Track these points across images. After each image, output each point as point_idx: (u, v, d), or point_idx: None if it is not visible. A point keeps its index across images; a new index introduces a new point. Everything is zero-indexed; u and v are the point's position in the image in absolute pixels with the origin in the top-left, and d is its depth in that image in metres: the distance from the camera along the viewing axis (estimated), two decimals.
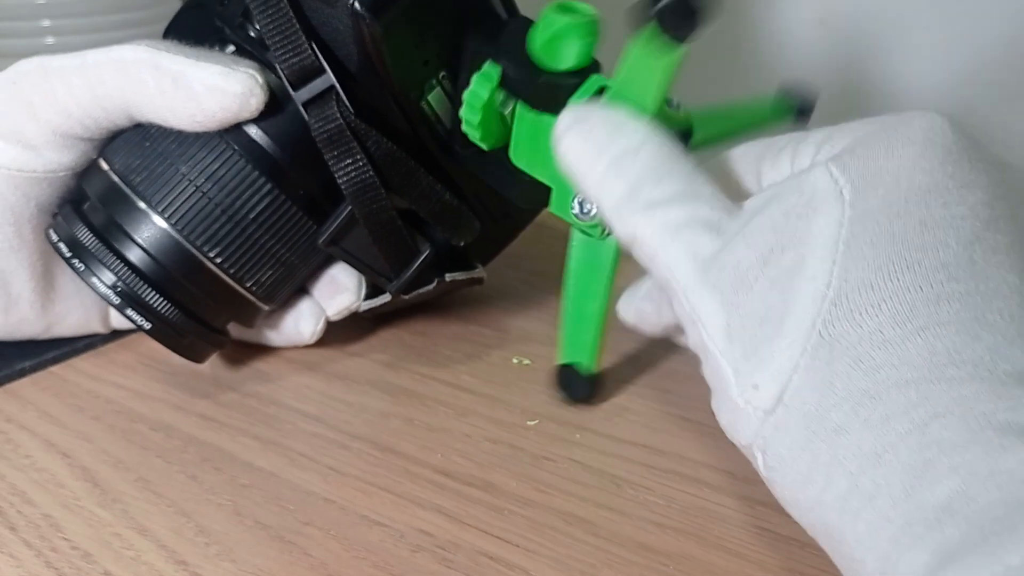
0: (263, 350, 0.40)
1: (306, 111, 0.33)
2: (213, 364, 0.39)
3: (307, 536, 0.28)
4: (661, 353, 0.39)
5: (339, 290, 0.38)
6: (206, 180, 0.33)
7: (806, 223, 0.24)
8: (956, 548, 0.18)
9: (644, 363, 0.38)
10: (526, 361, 0.39)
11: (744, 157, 0.30)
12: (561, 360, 0.35)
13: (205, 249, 0.33)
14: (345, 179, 0.33)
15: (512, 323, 0.42)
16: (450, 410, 0.35)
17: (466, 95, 0.33)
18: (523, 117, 0.33)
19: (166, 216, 0.33)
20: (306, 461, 0.32)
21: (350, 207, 0.34)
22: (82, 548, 0.28)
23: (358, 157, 0.32)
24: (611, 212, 0.28)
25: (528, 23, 0.33)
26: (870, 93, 0.58)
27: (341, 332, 0.41)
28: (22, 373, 0.38)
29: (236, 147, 0.33)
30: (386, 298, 0.38)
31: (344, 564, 0.27)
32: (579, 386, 0.34)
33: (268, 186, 0.33)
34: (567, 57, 0.31)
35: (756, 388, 0.23)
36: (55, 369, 0.38)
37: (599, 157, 0.28)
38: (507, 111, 0.33)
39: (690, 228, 0.26)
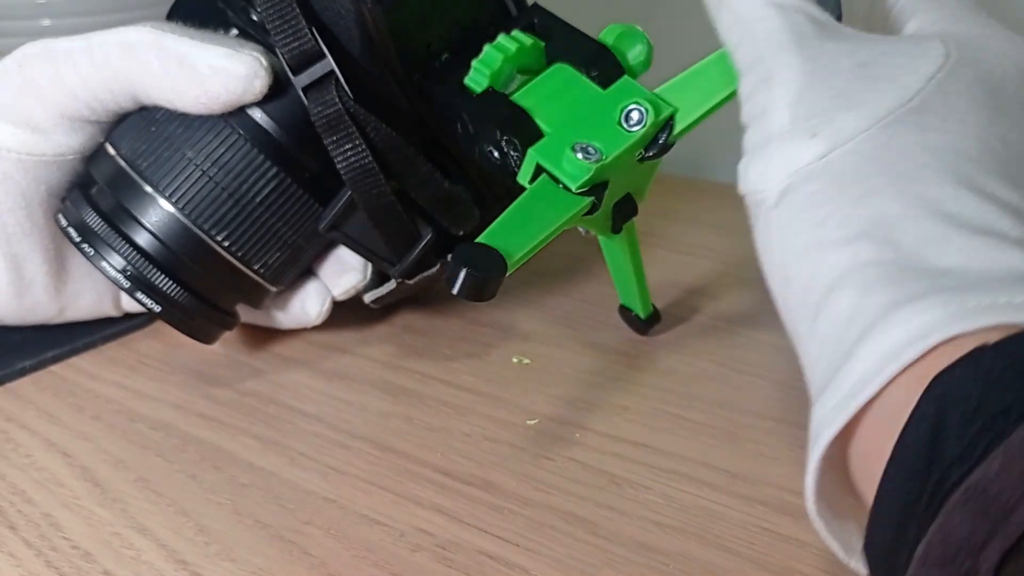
0: (263, 349, 0.40)
1: (305, 96, 0.33)
2: (213, 363, 0.39)
3: (307, 535, 0.28)
4: (661, 353, 0.39)
5: (345, 270, 0.38)
6: (212, 165, 0.33)
7: (912, 58, 0.26)
8: (942, 288, 0.21)
9: (644, 363, 0.38)
10: (526, 360, 0.39)
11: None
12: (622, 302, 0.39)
13: (212, 233, 0.33)
14: (344, 164, 0.33)
15: (512, 323, 0.42)
16: (450, 409, 0.35)
17: (476, 62, 0.33)
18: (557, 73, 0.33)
19: (173, 200, 0.33)
20: (306, 460, 0.32)
21: (349, 192, 0.34)
22: (82, 547, 0.28)
23: (357, 143, 0.33)
24: None
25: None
26: None
27: (342, 331, 0.41)
28: (22, 372, 0.38)
29: (241, 131, 0.33)
30: (391, 285, 0.38)
31: (344, 563, 0.27)
32: (634, 323, 0.39)
33: (274, 170, 0.34)
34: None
35: (813, 136, 0.25)
36: (55, 368, 0.38)
37: None
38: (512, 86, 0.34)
39: (801, 12, 0.28)
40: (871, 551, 0.21)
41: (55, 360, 0.39)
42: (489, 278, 0.28)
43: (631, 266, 0.37)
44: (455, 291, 0.27)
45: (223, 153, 0.33)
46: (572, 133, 0.31)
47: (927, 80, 0.26)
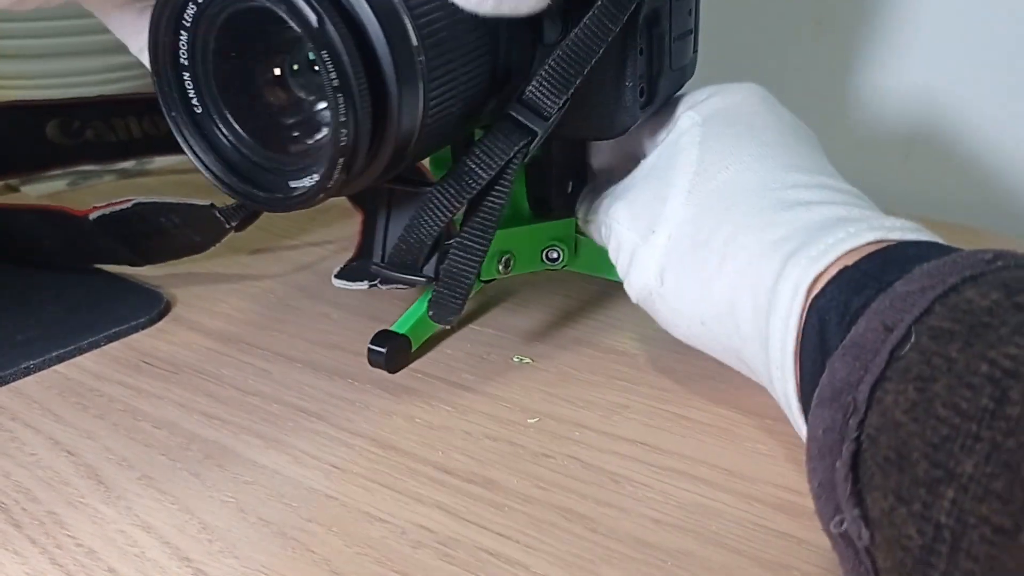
0: (265, 348, 0.40)
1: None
2: (216, 362, 0.39)
3: (309, 532, 0.29)
4: (660, 352, 0.39)
5: None
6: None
7: (674, 145, 0.35)
8: (791, 251, 0.29)
9: (643, 362, 0.38)
10: (526, 360, 0.39)
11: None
12: None
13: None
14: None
15: (512, 322, 0.42)
16: (451, 408, 0.35)
17: None
18: None
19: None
20: (308, 458, 0.32)
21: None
22: (86, 545, 0.28)
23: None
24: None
25: None
26: (867, 94, 0.58)
27: (343, 331, 0.41)
28: (27, 372, 0.38)
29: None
30: (362, 286, 0.39)
31: (346, 560, 0.27)
32: None
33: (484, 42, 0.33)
34: None
35: (654, 232, 0.34)
36: (59, 368, 0.39)
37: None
38: None
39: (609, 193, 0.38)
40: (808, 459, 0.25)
41: (59, 359, 0.39)
42: (398, 355, 0.38)
43: None
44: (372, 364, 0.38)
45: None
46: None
47: (692, 146, 0.34)
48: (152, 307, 0.43)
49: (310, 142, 0.31)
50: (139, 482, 0.31)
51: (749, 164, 0.33)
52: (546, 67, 0.33)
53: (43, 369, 0.38)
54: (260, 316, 0.43)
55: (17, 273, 0.47)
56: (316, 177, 0.30)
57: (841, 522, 0.22)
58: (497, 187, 0.34)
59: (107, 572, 0.27)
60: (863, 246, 0.27)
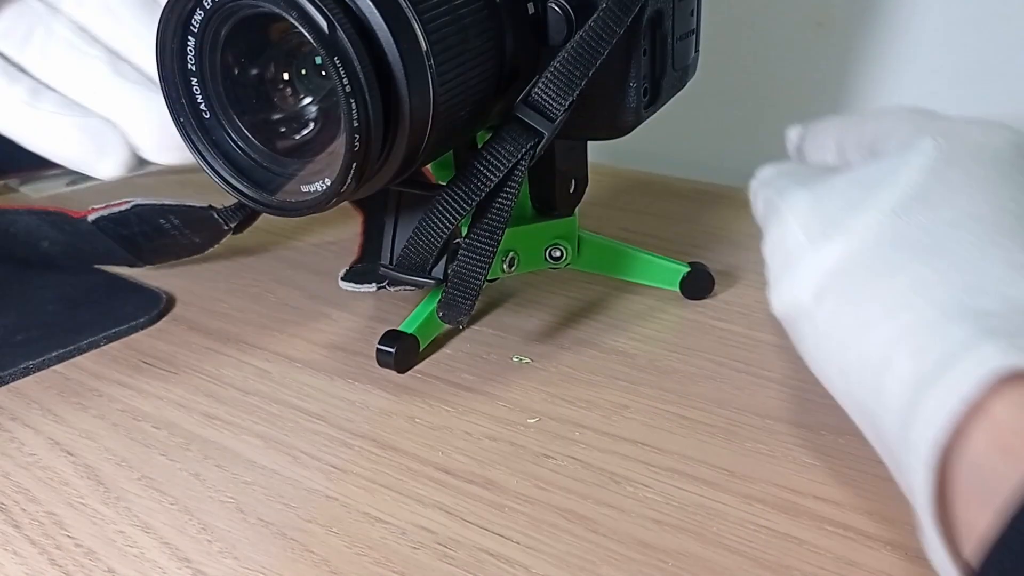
0: (265, 348, 0.40)
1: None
2: (216, 363, 0.39)
3: (309, 533, 0.29)
4: (660, 352, 0.39)
5: None
6: None
7: (897, 161, 0.28)
8: (993, 330, 0.22)
9: (643, 362, 0.38)
10: (526, 360, 0.39)
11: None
12: None
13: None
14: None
15: (512, 322, 0.42)
16: (451, 408, 0.35)
17: None
18: None
19: None
20: (308, 459, 0.32)
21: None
22: (86, 545, 0.28)
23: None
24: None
25: None
26: (868, 96, 0.58)
27: (344, 331, 0.41)
28: (26, 372, 0.38)
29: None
30: (370, 288, 0.39)
31: (346, 561, 0.27)
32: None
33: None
34: None
35: (829, 240, 0.27)
36: (59, 368, 0.38)
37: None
38: None
39: (795, 166, 0.32)
40: None
41: (59, 360, 0.39)
42: (407, 355, 0.38)
43: None
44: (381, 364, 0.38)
45: None
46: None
47: (922, 170, 0.27)
48: (152, 307, 0.43)
49: (320, 146, 0.31)
50: (139, 482, 0.31)
51: (983, 207, 0.26)
52: (552, 69, 0.33)
53: (43, 369, 0.38)
54: (260, 316, 0.43)
55: (17, 273, 0.47)
56: (328, 182, 0.30)
57: None
58: (505, 189, 0.34)
59: (106, 572, 0.27)
60: None
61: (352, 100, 0.28)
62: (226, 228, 0.43)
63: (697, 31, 0.40)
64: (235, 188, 0.32)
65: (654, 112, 0.38)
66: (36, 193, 0.58)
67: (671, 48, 0.38)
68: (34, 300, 0.44)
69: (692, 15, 0.39)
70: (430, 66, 0.30)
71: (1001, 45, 0.54)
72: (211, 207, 0.42)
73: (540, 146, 0.34)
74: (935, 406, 0.21)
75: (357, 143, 0.28)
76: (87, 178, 0.61)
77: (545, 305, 0.44)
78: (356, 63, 0.28)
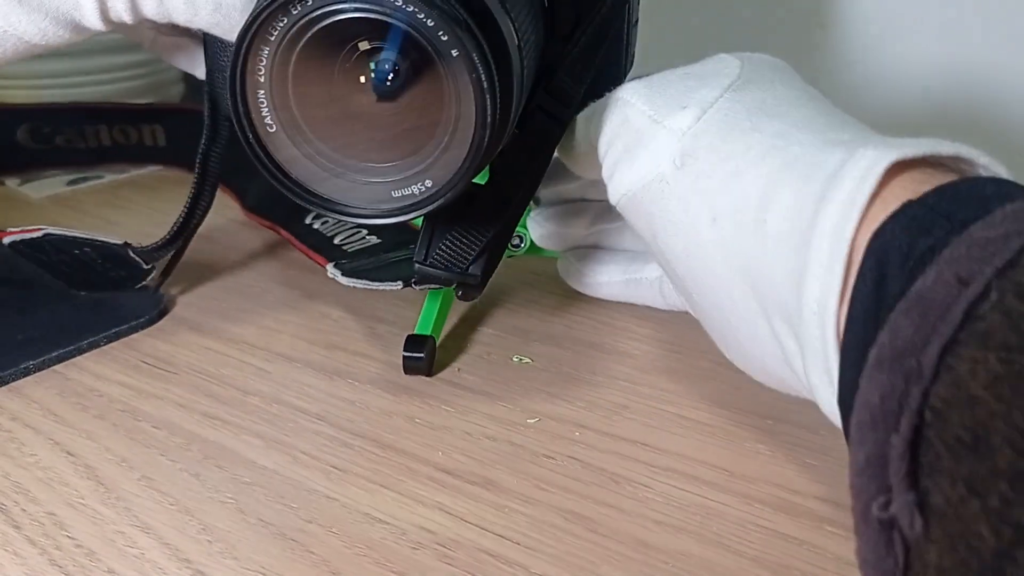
0: (265, 348, 0.40)
1: None
2: (217, 363, 0.39)
3: (309, 534, 0.29)
4: (660, 352, 0.39)
5: None
6: None
7: (712, 60, 0.32)
8: (863, 143, 0.24)
9: (643, 362, 0.38)
10: (526, 360, 0.39)
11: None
12: None
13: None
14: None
15: (512, 322, 0.42)
16: (451, 408, 0.35)
17: None
18: None
19: None
20: (308, 459, 0.32)
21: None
22: (86, 546, 0.28)
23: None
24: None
25: None
26: (869, 97, 0.58)
27: (344, 331, 0.41)
28: (26, 372, 0.38)
29: None
30: (395, 285, 0.39)
31: (346, 561, 0.27)
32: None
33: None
34: None
35: (684, 109, 0.29)
36: (59, 368, 0.38)
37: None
38: None
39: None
40: (841, 403, 0.22)
41: (59, 360, 0.39)
42: (432, 357, 0.38)
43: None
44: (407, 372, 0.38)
45: None
46: None
47: (740, 67, 0.31)
48: (152, 307, 0.43)
49: (405, 151, 0.31)
50: (139, 483, 0.31)
51: (797, 92, 0.30)
52: (572, 57, 0.35)
53: (43, 369, 0.38)
54: (260, 316, 0.43)
55: (17, 273, 0.47)
56: (430, 183, 0.30)
57: (886, 504, 0.19)
58: (535, 179, 0.36)
59: (106, 573, 0.27)
60: (931, 164, 0.23)
61: (487, 96, 0.28)
62: (146, 267, 0.43)
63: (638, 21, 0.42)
64: (312, 202, 0.31)
65: None
66: (36, 192, 0.58)
67: (631, 34, 0.39)
68: (34, 300, 0.44)
69: (638, 3, 0.41)
70: (521, 59, 0.31)
71: (1001, 44, 0.53)
72: (127, 244, 0.42)
73: (563, 131, 0.36)
74: (836, 212, 0.23)
75: (486, 139, 0.29)
76: (87, 178, 0.61)
77: (545, 305, 0.44)
78: (489, 58, 0.28)
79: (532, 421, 0.34)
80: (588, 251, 0.43)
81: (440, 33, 0.28)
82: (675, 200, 0.28)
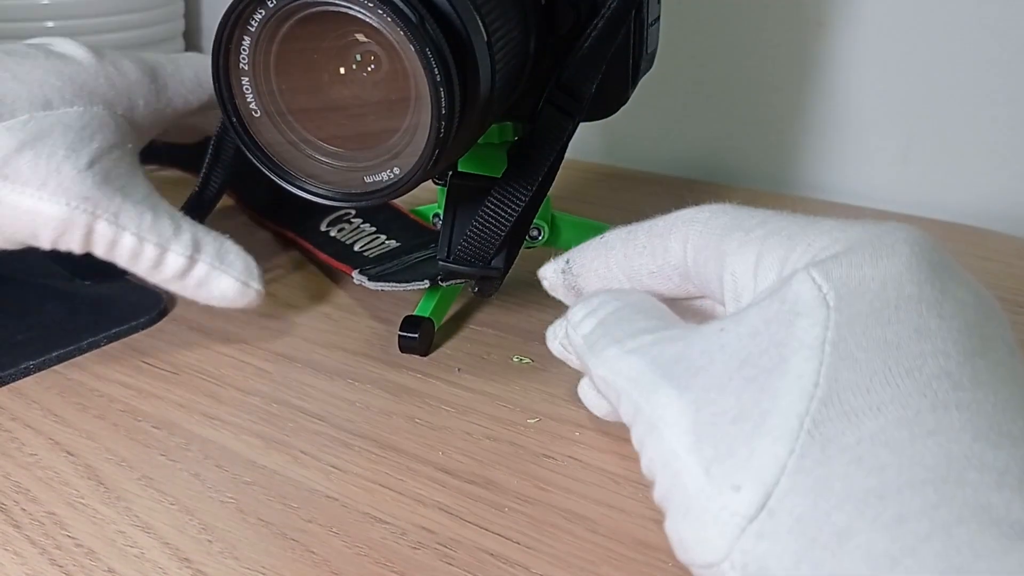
0: (265, 348, 0.40)
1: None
2: (216, 363, 0.39)
3: (310, 533, 0.29)
4: None
5: None
6: None
7: (787, 327, 0.22)
8: None
9: None
10: (526, 360, 0.39)
11: (703, 250, 0.28)
12: None
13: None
14: None
15: (512, 322, 0.42)
16: (451, 408, 0.35)
17: None
18: None
19: None
20: (308, 459, 0.32)
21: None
22: (86, 545, 0.28)
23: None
24: (582, 350, 0.28)
25: None
26: (870, 97, 0.58)
27: (344, 331, 0.41)
28: (27, 372, 0.38)
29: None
30: (422, 284, 0.39)
31: (346, 561, 0.27)
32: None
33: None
34: None
35: (737, 489, 0.20)
36: (59, 368, 0.38)
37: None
38: None
39: (652, 342, 0.25)
40: None
41: (59, 360, 0.39)
42: (429, 338, 0.39)
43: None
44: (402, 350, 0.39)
45: None
46: None
47: (817, 345, 0.21)
48: (152, 307, 0.43)
49: (378, 139, 0.32)
50: (139, 482, 0.31)
51: (916, 411, 0.20)
52: (581, 53, 0.36)
53: (43, 369, 0.38)
54: (260, 316, 0.43)
55: (17, 273, 0.47)
56: (398, 171, 0.31)
57: None
58: (551, 173, 0.37)
59: (107, 573, 0.27)
60: None
61: (441, 89, 0.29)
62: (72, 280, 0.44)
63: (659, 18, 0.42)
64: (293, 184, 0.33)
65: (631, 94, 0.40)
66: None
67: (646, 33, 0.39)
68: (34, 300, 0.44)
69: (658, 2, 0.41)
70: (491, 56, 0.31)
71: (1001, 44, 0.53)
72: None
73: (575, 126, 0.37)
74: None
75: (442, 130, 0.30)
76: None
77: (545, 305, 0.44)
78: (447, 53, 0.29)
79: (532, 421, 0.34)
80: None
81: (397, 28, 0.29)
82: None
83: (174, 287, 0.39)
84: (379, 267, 0.43)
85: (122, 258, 0.38)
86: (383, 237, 0.46)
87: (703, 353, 0.23)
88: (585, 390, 0.34)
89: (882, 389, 0.20)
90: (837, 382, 0.21)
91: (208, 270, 0.39)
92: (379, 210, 0.48)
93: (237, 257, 0.40)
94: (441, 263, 0.38)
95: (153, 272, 0.39)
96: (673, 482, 0.22)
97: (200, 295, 0.39)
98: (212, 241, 0.39)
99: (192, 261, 0.38)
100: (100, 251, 0.38)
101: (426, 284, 0.40)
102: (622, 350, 0.25)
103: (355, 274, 0.42)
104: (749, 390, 0.21)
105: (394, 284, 0.41)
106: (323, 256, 0.46)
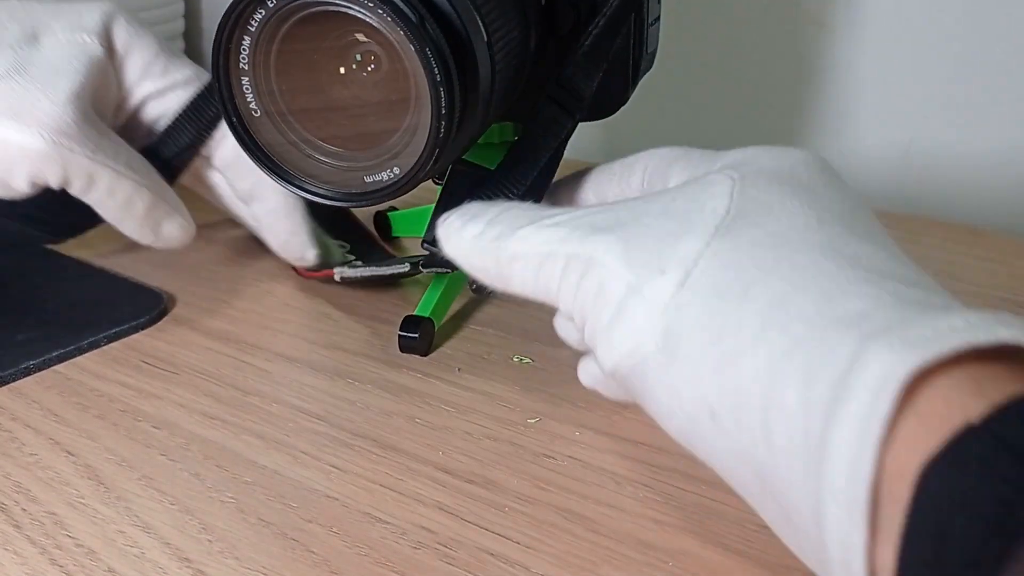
0: (265, 348, 0.40)
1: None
2: (217, 363, 0.39)
3: (310, 533, 0.29)
4: None
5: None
6: None
7: (702, 189, 0.26)
8: (875, 331, 0.20)
9: None
10: (527, 360, 0.39)
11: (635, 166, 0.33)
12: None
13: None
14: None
15: (512, 322, 0.42)
16: (451, 408, 0.35)
17: None
18: None
19: None
20: (308, 459, 0.32)
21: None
22: (86, 545, 0.28)
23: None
24: (485, 245, 0.29)
25: None
26: (867, 94, 0.58)
27: (344, 331, 0.41)
28: (27, 372, 0.38)
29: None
30: (403, 267, 0.40)
31: (346, 561, 0.27)
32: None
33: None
34: None
35: (662, 272, 0.24)
36: (59, 368, 0.38)
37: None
38: None
39: (577, 215, 0.28)
40: None
41: (60, 360, 0.39)
42: (429, 338, 0.39)
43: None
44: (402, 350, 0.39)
45: None
46: None
47: (730, 195, 0.26)
48: (152, 307, 0.43)
49: (377, 139, 0.32)
50: (139, 482, 0.31)
51: (803, 219, 0.25)
52: (583, 50, 0.36)
53: (43, 369, 0.38)
54: (260, 316, 0.43)
55: (18, 273, 0.47)
56: (398, 170, 0.31)
57: None
58: (548, 169, 0.37)
59: (107, 572, 0.27)
60: (992, 351, 0.19)
61: (441, 89, 0.29)
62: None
63: (659, 19, 0.43)
64: (293, 183, 0.33)
65: (631, 94, 0.40)
66: None
67: (646, 33, 0.40)
68: (34, 300, 0.44)
69: (659, 2, 0.42)
70: (491, 56, 0.32)
71: (1001, 43, 0.54)
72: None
73: (575, 124, 0.37)
74: (849, 436, 0.19)
75: (442, 130, 0.30)
76: None
77: (545, 305, 0.44)
78: (447, 53, 0.29)
79: (532, 421, 0.34)
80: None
81: (397, 28, 0.29)
82: (663, 388, 0.24)
83: (130, 227, 0.40)
84: (359, 263, 0.44)
85: (99, 192, 0.38)
86: (352, 258, 0.46)
87: (628, 211, 0.27)
88: (561, 321, 0.34)
89: (780, 210, 0.25)
90: (744, 209, 0.25)
91: (169, 210, 0.41)
92: (355, 235, 0.48)
93: (179, 202, 0.42)
94: (425, 246, 0.37)
95: (124, 211, 0.39)
96: (604, 298, 0.25)
97: (154, 236, 0.41)
98: (167, 185, 0.41)
99: (158, 199, 0.40)
100: (77, 188, 0.38)
101: (406, 267, 0.40)
102: (541, 226, 0.28)
103: (336, 271, 0.43)
104: (671, 223, 0.25)
105: (375, 268, 0.42)
106: (305, 272, 0.46)
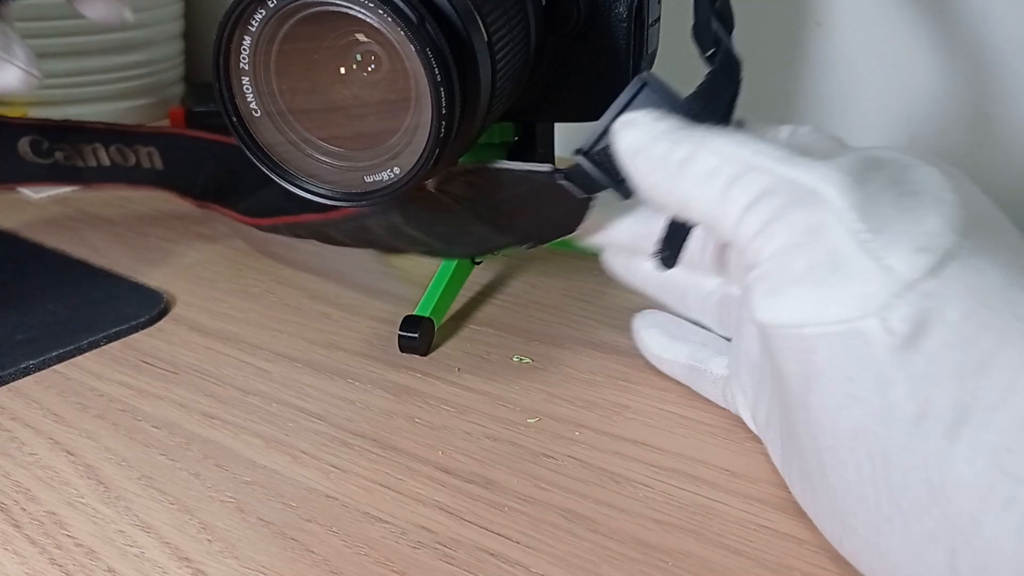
0: (265, 348, 0.40)
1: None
2: (216, 362, 0.39)
3: (309, 533, 0.29)
4: None
5: None
6: None
7: (924, 172, 0.23)
8: None
9: (643, 361, 0.38)
10: (526, 360, 0.39)
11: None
12: None
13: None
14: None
15: (512, 322, 0.42)
16: (451, 408, 0.35)
17: None
18: None
19: None
20: (308, 459, 0.32)
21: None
22: (86, 545, 0.28)
23: None
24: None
25: None
26: (867, 95, 0.58)
27: (344, 331, 0.41)
28: (26, 372, 0.38)
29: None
30: (547, 167, 0.35)
31: (346, 561, 0.27)
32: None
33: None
34: None
35: (917, 248, 0.21)
36: (59, 367, 0.38)
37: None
38: None
39: (791, 148, 0.24)
40: None
41: (59, 359, 0.39)
42: (429, 338, 0.39)
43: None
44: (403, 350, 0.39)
45: None
46: None
47: (953, 191, 0.23)
48: (152, 307, 0.43)
49: (377, 139, 0.32)
50: (139, 482, 0.31)
51: (1004, 224, 0.23)
52: (584, 49, 0.37)
53: (43, 369, 0.38)
54: (260, 316, 0.43)
55: (17, 273, 0.47)
56: (398, 170, 0.31)
57: None
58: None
59: (107, 572, 0.27)
60: None
61: (441, 89, 0.29)
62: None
63: (659, 19, 0.43)
64: (293, 183, 0.33)
65: None
66: (36, 193, 0.58)
67: (646, 33, 0.40)
68: (34, 300, 0.44)
69: (659, 2, 0.42)
70: (492, 56, 0.31)
71: (1001, 43, 0.54)
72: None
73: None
74: None
75: (443, 130, 0.30)
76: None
77: (545, 305, 0.44)
78: (447, 53, 0.29)
79: (532, 421, 0.34)
80: (659, 316, 0.37)
81: (397, 28, 0.29)
82: (871, 374, 0.20)
83: None
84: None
85: None
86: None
87: (849, 158, 0.23)
88: (617, 262, 0.33)
89: (990, 223, 0.23)
90: (965, 205, 0.22)
91: (5, 59, 0.39)
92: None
93: (20, 47, 0.40)
94: (578, 156, 0.33)
95: None
96: (822, 243, 0.22)
97: None
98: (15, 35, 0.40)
99: None
100: None
101: (548, 167, 0.35)
102: (745, 142, 0.24)
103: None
104: (907, 196, 0.22)
105: (512, 163, 0.37)
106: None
